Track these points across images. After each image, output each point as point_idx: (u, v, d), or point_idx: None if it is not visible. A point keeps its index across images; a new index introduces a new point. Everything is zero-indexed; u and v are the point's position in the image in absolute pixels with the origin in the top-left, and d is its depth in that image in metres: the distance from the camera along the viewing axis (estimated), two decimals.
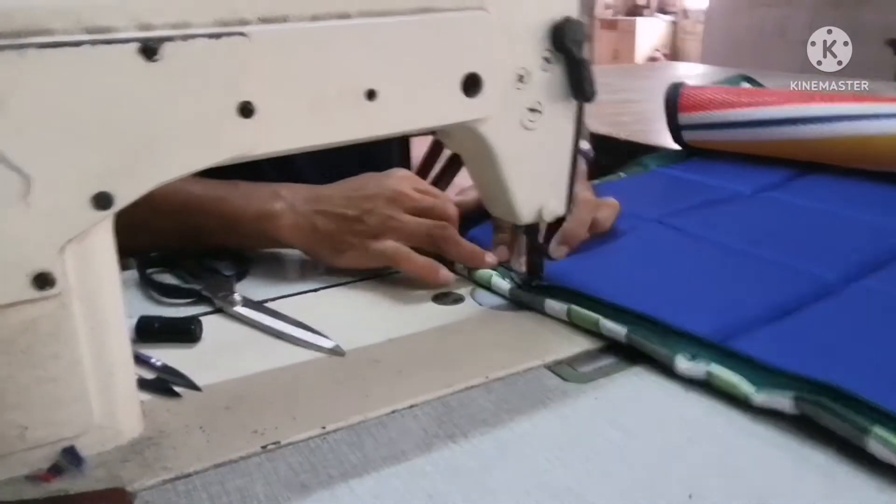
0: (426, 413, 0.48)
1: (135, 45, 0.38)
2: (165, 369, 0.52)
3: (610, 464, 0.43)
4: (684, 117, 1.03)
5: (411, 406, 0.49)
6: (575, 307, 0.58)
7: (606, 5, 7.30)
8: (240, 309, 0.60)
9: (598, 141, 1.05)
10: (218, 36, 0.40)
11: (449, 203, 0.69)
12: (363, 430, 0.47)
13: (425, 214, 0.67)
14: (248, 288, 0.66)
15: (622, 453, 0.44)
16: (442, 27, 0.49)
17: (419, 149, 1.33)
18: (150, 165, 0.40)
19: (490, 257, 0.67)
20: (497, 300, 0.64)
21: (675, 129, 1.06)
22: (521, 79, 0.53)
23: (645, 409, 0.49)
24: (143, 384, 0.49)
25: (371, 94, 0.47)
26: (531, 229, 0.61)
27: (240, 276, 0.68)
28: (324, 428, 0.46)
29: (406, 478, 0.42)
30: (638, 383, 0.52)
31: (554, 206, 0.60)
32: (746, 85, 1.20)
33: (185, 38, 0.39)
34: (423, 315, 0.62)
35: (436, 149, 1.39)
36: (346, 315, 0.63)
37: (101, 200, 0.39)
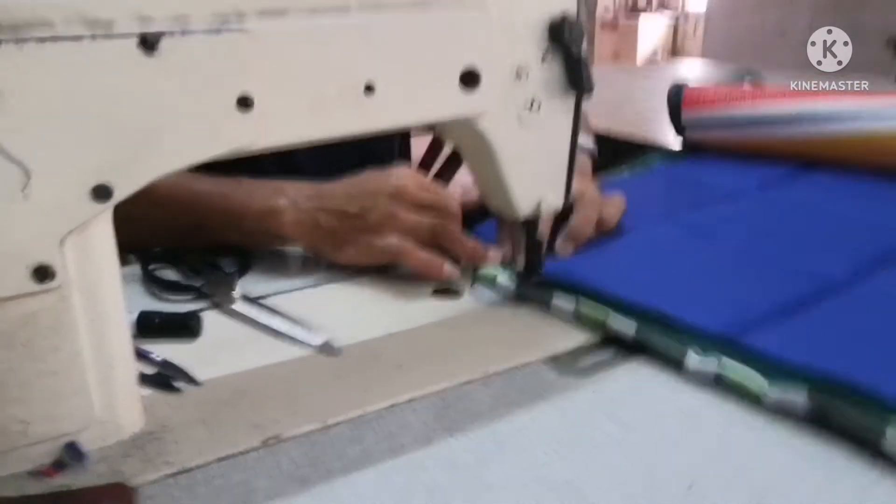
0: (425, 407, 0.49)
1: (134, 39, 0.38)
2: (166, 364, 0.52)
3: (609, 457, 0.44)
4: (688, 114, 1.03)
5: (411, 400, 0.49)
6: (583, 301, 0.58)
7: (606, 7, 7.30)
8: (237, 306, 0.61)
9: (598, 139, 1.05)
10: (217, 30, 0.41)
11: (451, 199, 0.69)
12: (363, 423, 0.47)
13: (427, 210, 0.67)
14: (250, 283, 0.66)
15: (621, 446, 0.45)
16: (440, 22, 0.49)
17: (419, 147, 1.33)
18: (149, 158, 0.40)
19: (492, 253, 0.67)
20: (496, 295, 0.64)
21: (679, 127, 1.05)
22: (519, 74, 0.53)
23: (643, 402, 0.49)
24: (144, 379, 0.50)
25: (369, 89, 0.47)
26: (529, 224, 0.61)
27: (241, 272, 0.68)
28: (324, 422, 0.46)
29: (405, 471, 0.43)
30: (636, 377, 0.52)
31: (552, 201, 0.60)
32: (748, 79, 1.20)
33: (185, 31, 0.40)
34: (422, 310, 0.62)
35: (436, 145, 1.39)
36: (347, 310, 0.63)
37: (101, 192, 0.39)
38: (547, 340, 0.56)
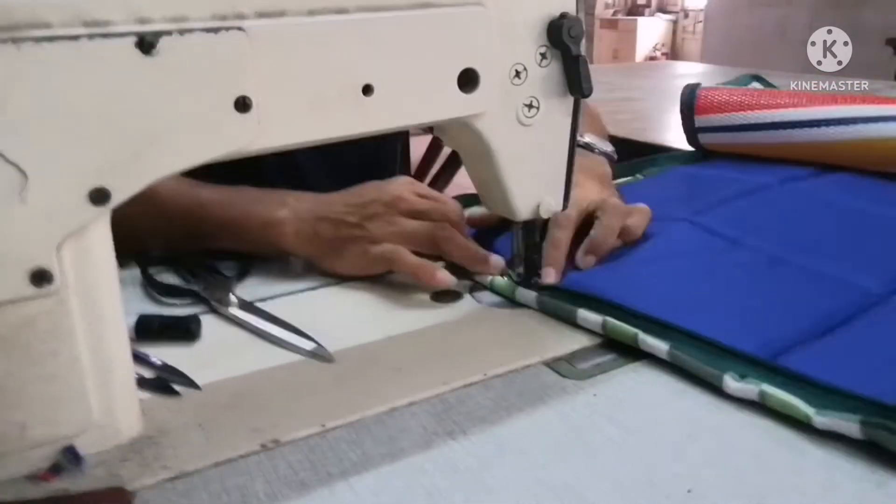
0: (425, 410, 0.48)
1: (132, 39, 0.38)
2: (165, 368, 0.52)
3: (609, 460, 0.43)
4: (701, 119, 1.00)
5: (410, 404, 0.49)
6: (611, 320, 0.55)
7: (607, 4, 7.31)
8: (233, 310, 0.60)
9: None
10: (215, 30, 0.40)
11: (451, 206, 0.69)
12: (362, 427, 0.47)
13: (425, 218, 0.67)
14: (249, 287, 0.66)
15: (621, 450, 0.44)
16: (439, 22, 0.49)
17: (418, 148, 1.33)
18: (147, 160, 0.40)
19: (494, 261, 0.65)
20: (495, 298, 0.64)
21: (692, 132, 1.03)
22: (517, 74, 0.53)
23: (644, 405, 0.49)
24: (143, 383, 0.49)
25: (368, 89, 0.47)
26: (529, 226, 0.61)
27: (240, 277, 0.68)
28: (323, 426, 0.46)
29: (405, 475, 0.42)
30: (637, 380, 0.52)
31: (551, 203, 0.60)
32: (756, 85, 1.18)
33: (183, 32, 0.39)
34: (422, 313, 0.62)
35: (435, 147, 1.40)
36: (346, 313, 0.63)
37: (98, 196, 0.39)
38: (547, 343, 0.56)
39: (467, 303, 0.64)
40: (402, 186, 0.69)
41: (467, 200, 0.80)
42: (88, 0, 0.37)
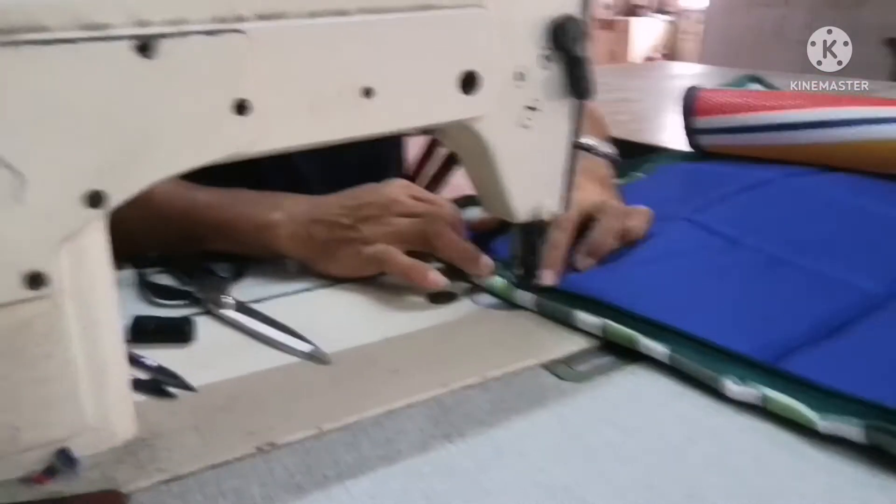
0: (422, 413, 0.48)
1: (130, 42, 0.38)
2: (160, 370, 0.52)
3: (607, 463, 0.43)
4: (701, 121, 1.00)
5: (407, 406, 0.49)
6: (611, 323, 0.55)
7: (606, 5, 7.32)
8: (228, 312, 0.60)
9: None
10: (214, 33, 0.40)
11: (446, 208, 0.68)
12: (359, 430, 0.46)
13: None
14: (245, 288, 0.66)
15: (620, 452, 0.44)
16: (440, 24, 0.49)
17: (414, 149, 1.33)
18: (145, 163, 0.40)
19: (484, 261, 0.65)
20: (493, 299, 0.64)
21: (692, 134, 1.02)
22: (519, 77, 0.53)
23: (642, 407, 0.49)
24: (138, 385, 0.49)
25: (368, 92, 0.47)
26: (528, 228, 0.61)
27: (236, 278, 0.68)
28: (319, 428, 0.46)
29: (402, 478, 0.42)
30: (635, 382, 0.52)
31: (550, 205, 0.60)
32: (756, 86, 1.18)
33: (182, 34, 0.39)
34: (419, 314, 0.62)
35: (431, 148, 1.39)
36: (342, 315, 0.62)
37: (95, 199, 0.38)
38: (545, 345, 0.56)
39: (464, 304, 0.64)
40: (397, 189, 0.69)
41: (465, 202, 0.80)
42: (87, 3, 0.37)
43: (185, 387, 0.50)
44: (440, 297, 0.64)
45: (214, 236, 0.70)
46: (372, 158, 0.94)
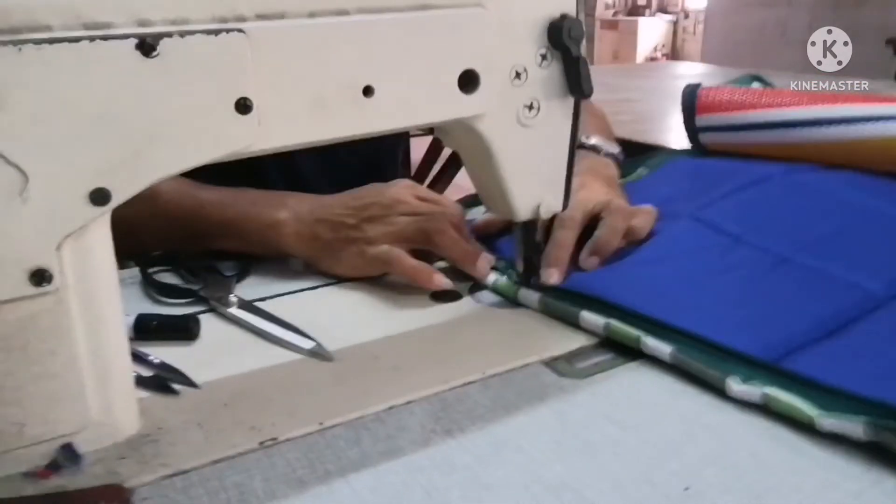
0: (424, 409, 0.48)
1: (132, 42, 0.38)
2: (163, 367, 0.52)
3: (606, 459, 0.44)
4: (702, 119, 0.99)
5: (409, 402, 0.49)
6: (614, 322, 0.55)
7: (607, 5, 7.32)
8: (233, 310, 0.61)
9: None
10: (216, 32, 0.41)
11: (451, 208, 0.68)
12: (361, 426, 0.47)
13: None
14: (250, 286, 0.66)
15: (619, 449, 0.44)
16: (439, 23, 0.49)
17: (419, 149, 1.33)
18: (147, 162, 0.40)
19: (481, 264, 0.65)
20: (494, 297, 0.64)
21: (693, 132, 1.01)
22: (518, 75, 0.53)
23: (642, 404, 0.49)
24: (141, 381, 0.50)
25: (368, 91, 0.47)
26: (529, 226, 0.61)
27: (240, 276, 0.68)
28: (321, 424, 0.46)
29: (403, 473, 0.43)
30: (635, 379, 0.52)
31: (551, 203, 0.60)
32: (757, 85, 1.17)
33: (183, 34, 0.40)
34: (421, 312, 0.62)
35: (435, 148, 1.40)
36: (345, 312, 0.63)
37: (99, 196, 0.39)
38: (546, 342, 0.56)
39: (466, 302, 0.64)
40: (401, 189, 0.69)
41: (471, 202, 0.80)
42: (89, 3, 0.37)
43: (189, 383, 0.51)
44: (443, 296, 0.64)
45: (219, 235, 0.70)
46: (373, 157, 0.95)
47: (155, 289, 0.65)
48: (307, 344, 0.55)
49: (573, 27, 0.53)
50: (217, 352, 0.56)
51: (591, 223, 0.68)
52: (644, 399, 0.50)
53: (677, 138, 1.18)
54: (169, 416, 0.47)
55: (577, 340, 0.56)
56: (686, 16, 7.02)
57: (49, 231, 0.38)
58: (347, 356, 0.55)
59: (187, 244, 0.71)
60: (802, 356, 0.52)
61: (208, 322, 0.59)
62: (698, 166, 0.95)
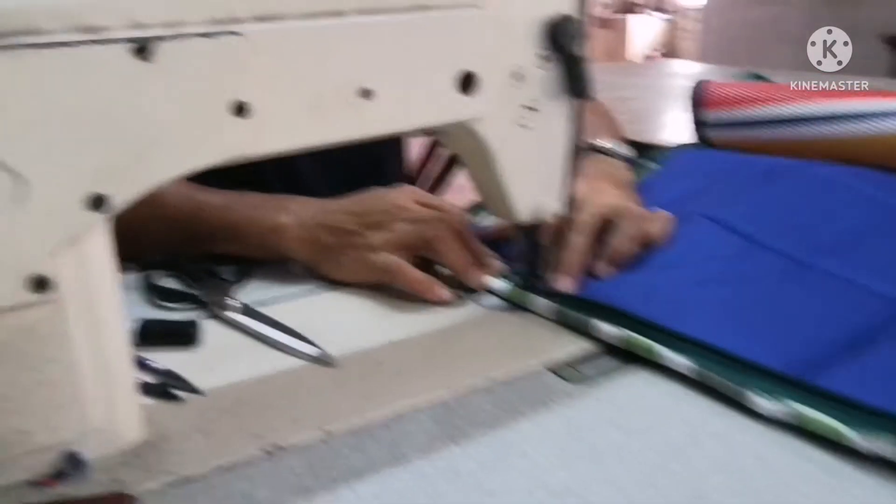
0: (428, 415, 0.48)
1: (128, 45, 0.38)
2: (166, 373, 0.52)
3: (612, 465, 0.43)
4: (710, 114, 0.97)
5: (413, 408, 0.49)
6: (633, 335, 0.54)
7: (605, 4, 7.32)
8: (233, 315, 0.60)
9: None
10: (212, 35, 0.40)
11: (454, 215, 0.68)
12: (364, 432, 0.47)
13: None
14: (251, 290, 0.66)
15: (624, 454, 0.44)
16: (437, 25, 0.49)
17: (416, 150, 1.33)
18: (145, 166, 0.40)
19: (478, 272, 0.64)
20: (498, 301, 0.64)
21: (700, 126, 1.00)
22: (517, 77, 0.53)
23: (647, 409, 0.49)
24: (144, 388, 0.49)
25: (366, 93, 0.47)
26: (530, 228, 0.61)
27: (242, 281, 0.68)
28: (325, 431, 0.46)
29: (408, 479, 0.42)
30: (640, 384, 0.52)
31: (551, 205, 0.60)
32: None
33: (179, 37, 0.39)
34: (424, 317, 0.62)
35: (433, 150, 1.40)
36: (348, 317, 0.62)
37: (97, 202, 0.39)
38: (550, 348, 0.56)
39: (470, 307, 0.64)
40: (403, 195, 0.69)
41: (481, 208, 0.79)
42: (84, 6, 0.37)
43: (192, 390, 0.50)
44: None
45: (220, 239, 0.70)
46: (372, 159, 0.95)
47: (156, 294, 0.65)
48: (310, 350, 0.55)
49: (573, 27, 0.53)
50: (219, 357, 0.55)
51: (604, 228, 0.67)
52: (649, 404, 0.49)
53: (674, 136, 1.17)
54: (172, 422, 0.47)
55: (581, 346, 0.56)
56: (682, 14, 7.02)
57: (48, 237, 0.38)
58: (350, 362, 0.54)
59: (188, 248, 0.70)
60: (829, 371, 0.49)
61: (210, 327, 0.59)
62: (710, 159, 0.92)
